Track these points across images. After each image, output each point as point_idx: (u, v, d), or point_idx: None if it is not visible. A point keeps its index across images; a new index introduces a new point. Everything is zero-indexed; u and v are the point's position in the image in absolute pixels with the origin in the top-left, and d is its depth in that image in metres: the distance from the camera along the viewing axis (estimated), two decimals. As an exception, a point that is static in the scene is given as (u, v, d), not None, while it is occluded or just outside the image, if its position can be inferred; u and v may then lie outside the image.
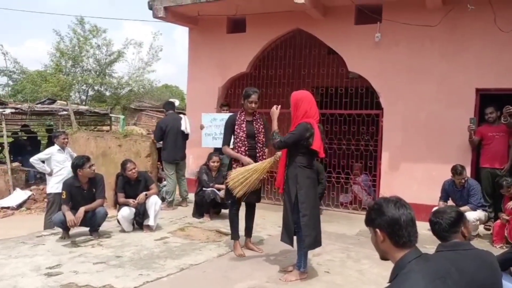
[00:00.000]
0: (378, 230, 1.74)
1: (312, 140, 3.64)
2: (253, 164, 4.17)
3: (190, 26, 8.16)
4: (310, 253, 3.95)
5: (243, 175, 4.07)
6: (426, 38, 6.18)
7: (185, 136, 6.81)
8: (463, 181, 5.23)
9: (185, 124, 6.75)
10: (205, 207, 5.94)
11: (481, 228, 5.47)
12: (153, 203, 5.21)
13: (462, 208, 4.83)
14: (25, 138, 11.65)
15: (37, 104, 12.13)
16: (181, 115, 6.92)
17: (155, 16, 7.38)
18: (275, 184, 4.19)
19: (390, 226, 1.71)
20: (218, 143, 6.94)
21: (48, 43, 53.42)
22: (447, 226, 2.26)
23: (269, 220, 5.91)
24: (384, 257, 1.78)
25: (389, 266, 1.76)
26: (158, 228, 5.35)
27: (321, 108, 7.36)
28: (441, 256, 2.14)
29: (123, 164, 5.32)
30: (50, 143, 9.09)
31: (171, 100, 7.83)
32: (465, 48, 6.01)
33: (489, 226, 5.40)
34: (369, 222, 1.80)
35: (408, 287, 1.55)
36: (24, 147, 11.04)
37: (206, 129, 7.00)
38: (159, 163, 8.47)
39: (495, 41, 5.77)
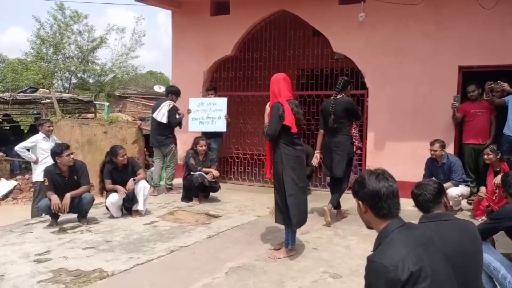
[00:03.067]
0: (360, 202, 1.79)
1: (284, 116, 3.66)
2: None
3: (173, 9, 8.03)
4: (298, 231, 4.02)
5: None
6: (410, 17, 6.20)
7: (161, 122, 6.47)
8: (435, 152, 5.32)
9: (158, 111, 6.47)
10: (194, 191, 5.94)
11: (464, 203, 5.61)
12: (142, 187, 5.19)
13: (445, 185, 4.94)
14: (7, 128, 11.44)
15: (18, 93, 11.89)
16: (166, 101, 6.71)
17: (136, -1, 7.25)
18: (263, 169, 4.22)
19: (370, 198, 1.77)
20: (205, 127, 6.97)
21: (28, 30, 51.97)
22: (431, 197, 2.32)
23: (258, 201, 5.97)
24: (369, 227, 1.84)
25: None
26: (147, 213, 5.35)
27: (306, 89, 7.42)
28: (424, 226, 2.20)
29: (114, 150, 5.19)
30: (34, 132, 8.95)
31: (170, 86, 7.52)
32: (448, 26, 6.05)
33: (472, 200, 5.54)
34: (354, 193, 1.87)
35: (390, 254, 1.61)
36: (7, 137, 10.86)
37: (193, 113, 6.98)
38: (145, 149, 8.44)
39: (477, 18, 5.82)
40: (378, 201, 1.74)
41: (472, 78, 6.04)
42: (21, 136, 11.25)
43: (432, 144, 5.38)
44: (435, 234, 1.88)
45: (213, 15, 7.74)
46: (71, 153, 4.94)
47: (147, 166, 8.17)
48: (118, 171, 5.24)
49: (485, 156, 4.99)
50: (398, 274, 1.55)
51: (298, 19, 7.07)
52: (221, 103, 6.95)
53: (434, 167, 5.47)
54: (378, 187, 1.74)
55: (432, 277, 1.59)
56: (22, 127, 12.32)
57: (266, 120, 3.85)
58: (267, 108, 3.89)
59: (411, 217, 3.97)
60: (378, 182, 1.75)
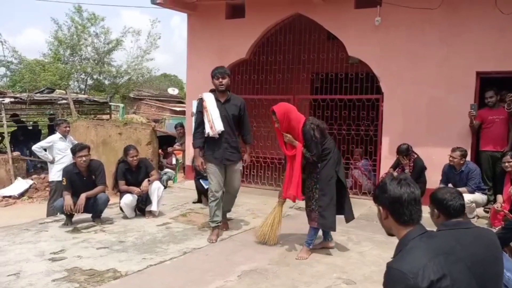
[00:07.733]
0: (381, 207, 1.77)
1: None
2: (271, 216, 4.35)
3: (188, 12, 8.08)
4: (311, 236, 4.00)
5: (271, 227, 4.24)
6: (426, 21, 6.13)
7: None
8: (454, 159, 5.26)
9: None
10: (204, 193, 5.94)
11: (480, 211, 5.50)
12: (156, 188, 5.23)
13: (459, 190, 4.84)
14: (15, 128, 11.49)
15: (36, 93, 12.07)
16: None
17: (153, 2, 7.31)
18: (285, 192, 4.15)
19: (391, 204, 1.75)
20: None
21: (46, 32, 52.93)
22: (461, 206, 2.25)
23: (270, 205, 5.87)
24: (389, 233, 1.82)
25: (389, 248, 1.79)
26: (159, 214, 5.39)
27: (320, 93, 7.38)
28: (444, 234, 2.16)
29: (126, 149, 5.28)
30: (51, 132, 9.05)
31: None
32: (465, 31, 5.96)
33: (489, 208, 5.43)
34: (374, 199, 1.85)
35: (410, 262, 1.58)
36: (17, 137, 10.92)
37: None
38: (160, 151, 8.50)
39: (495, 23, 5.73)
40: (400, 207, 1.71)
41: (491, 83, 5.94)
42: (38, 136, 11.35)
43: (453, 150, 5.29)
44: (456, 243, 1.84)
45: (228, 19, 7.76)
46: (85, 156, 4.94)
47: (161, 168, 8.21)
48: (131, 172, 5.29)
49: (506, 163, 4.88)
50: (418, 283, 1.52)
51: (313, 23, 7.05)
52: None
53: (452, 174, 5.38)
54: (400, 192, 1.72)
55: (453, 286, 1.56)
56: (40, 127, 12.38)
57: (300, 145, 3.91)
58: (288, 136, 3.95)
59: (425, 225, 3.92)
60: (400, 188, 1.73)
